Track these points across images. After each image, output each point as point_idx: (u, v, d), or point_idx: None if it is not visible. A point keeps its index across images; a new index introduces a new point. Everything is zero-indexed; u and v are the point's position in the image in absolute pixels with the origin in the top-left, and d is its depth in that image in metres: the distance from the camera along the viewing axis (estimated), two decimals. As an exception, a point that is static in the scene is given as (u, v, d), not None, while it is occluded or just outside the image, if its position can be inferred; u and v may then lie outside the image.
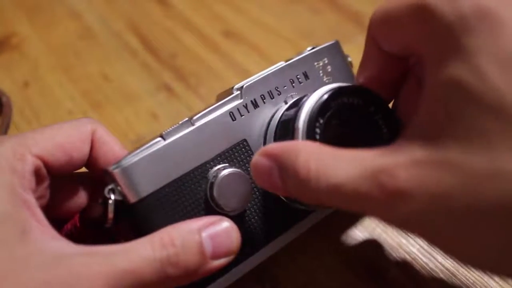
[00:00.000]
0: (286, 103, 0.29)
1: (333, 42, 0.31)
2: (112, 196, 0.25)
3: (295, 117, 0.26)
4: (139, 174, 0.25)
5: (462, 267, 0.31)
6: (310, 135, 0.25)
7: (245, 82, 0.28)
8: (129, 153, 0.25)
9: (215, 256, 0.24)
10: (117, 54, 0.50)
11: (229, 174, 0.26)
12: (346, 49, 0.33)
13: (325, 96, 0.25)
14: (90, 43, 0.51)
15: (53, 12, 0.55)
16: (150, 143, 0.25)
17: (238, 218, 0.26)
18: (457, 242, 0.19)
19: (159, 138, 0.26)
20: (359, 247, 0.32)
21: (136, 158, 0.25)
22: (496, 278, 0.30)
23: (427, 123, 0.20)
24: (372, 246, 0.32)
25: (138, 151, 0.25)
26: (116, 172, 0.25)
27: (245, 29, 0.51)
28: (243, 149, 0.28)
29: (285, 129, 0.27)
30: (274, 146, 0.23)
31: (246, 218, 0.27)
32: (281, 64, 0.29)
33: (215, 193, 0.26)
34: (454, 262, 0.31)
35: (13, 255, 0.21)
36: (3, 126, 0.43)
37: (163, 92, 0.45)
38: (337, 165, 0.21)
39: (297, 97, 0.29)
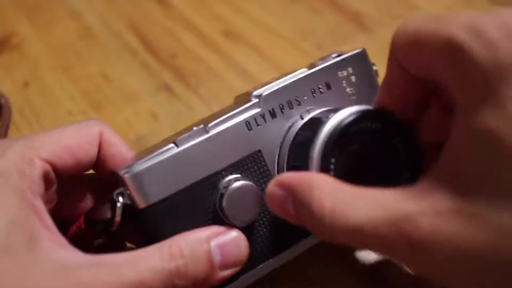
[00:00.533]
0: (302, 118, 0.27)
1: (359, 50, 0.30)
2: (121, 200, 0.25)
3: (310, 143, 0.25)
4: (150, 180, 0.24)
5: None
6: (324, 165, 0.24)
7: (264, 90, 0.27)
8: (141, 158, 0.25)
9: (224, 266, 0.24)
10: (117, 54, 0.50)
11: (240, 187, 0.26)
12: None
13: (343, 124, 0.24)
14: (90, 43, 0.51)
15: (53, 12, 0.55)
16: (162, 149, 0.25)
17: (246, 230, 0.26)
18: None
19: (172, 145, 0.25)
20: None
21: (147, 164, 0.24)
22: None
23: (455, 169, 0.19)
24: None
25: (150, 156, 0.25)
26: (127, 176, 0.24)
27: (245, 29, 0.51)
28: (257, 160, 0.27)
29: (299, 153, 0.26)
30: (289, 176, 0.23)
31: (255, 230, 0.27)
32: (303, 71, 0.28)
33: (224, 205, 0.25)
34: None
35: (21, 263, 0.21)
36: (2, 128, 0.43)
37: (163, 92, 0.45)
38: (355, 204, 0.20)
39: (314, 113, 0.28)
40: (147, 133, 0.42)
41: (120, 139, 0.27)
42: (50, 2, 0.56)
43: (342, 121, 0.24)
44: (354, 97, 0.29)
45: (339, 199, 0.21)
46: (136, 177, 0.24)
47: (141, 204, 0.25)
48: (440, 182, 0.19)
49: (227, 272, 0.24)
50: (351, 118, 0.24)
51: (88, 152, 0.26)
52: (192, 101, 0.44)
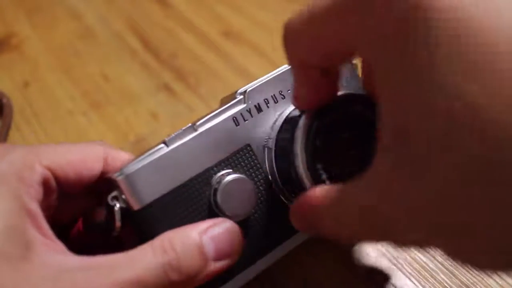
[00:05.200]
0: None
1: None
2: (117, 204, 0.25)
3: (291, 142, 0.25)
4: (142, 181, 0.25)
5: (461, 267, 0.31)
6: (311, 169, 0.24)
7: (249, 86, 0.28)
8: (132, 160, 0.25)
9: (218, 258, 0.24)
10: (117, 54, 0.50)
11: (233, 180, 0.26)
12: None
13: (314, 126, 0.24)
14: (90, 43, 0.51)
15: (53, 12, 0.55)
16: (153, 150, 0.25)
17: (242, 224, 0.26)
18: None
19: (162, 145, 0.25)
20: (359, 247, 0.32)
21: (139, 165, 0.25)
22: (496, 278, 0.30)
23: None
24: (372, 245, 0.32)
25: (141, 158, 0.25)
26: (120, 179, 0.24)
27: (245, 29, 0.51)
28: (247, 154, 0.27)
29: (284, 156, 0.26)
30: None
31: (250, 224, 0.27)
32: (285, 67, 0.29)
33: (218, 199, 0.26)
34: (454, 262, 0.31)
35: (16, 269, 0.21)
36: (4, 128, 0.43)
37: (163, 92, 0.45)
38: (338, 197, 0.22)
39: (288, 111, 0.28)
40: (147, 133, 0.42)
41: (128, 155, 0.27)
42: (50, 2, 0.56)
43: (314, 120, 0.24)
44: None
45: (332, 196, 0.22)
46: (128, 179, 0.24)
47: (135, 205, 0.25)
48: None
49: (221, 264, 0.24)
50: (318, 118, 0.24)
51: (91, 169, 0.26)
52: (192, 101, 0.45)
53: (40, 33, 0.53)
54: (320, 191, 0.23)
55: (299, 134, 0.24)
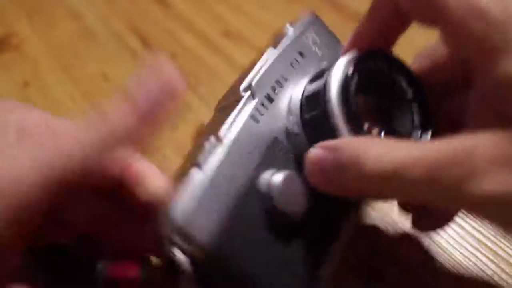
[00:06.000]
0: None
1: (309, 13, 0.31)
2: (183, 257, 0.22)
3: (324, 87, 0.25)
4: (201, 220, 0.22)
5: (461, 266, 0.31)
6: (344, 104, 0.24)
7: (250, 80, 0.26)
8: (174, 198, 0.22)
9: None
10: (117, 54, 0.50)
11: (283, 180, 0.24)
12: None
13: (354, 62, 0.25)
14: (90, 43, 0.51)
15: (53, 12, 0.55)
16: (190, 179, 0.22)
17: (302, 222, 0.25)
18: None
19: (196, 169, 0.23)
20: (360, 247, 0.32)
21: (192, 204, 0.22)
22: (495, 277, 0.30)
23: (493, 116, 0.21)
24: (372, 245, 0.32)
25: (185, 191, 0.22)
26: (181, 226, 0.21)
27: (245, 29, 0.51)
28: (278, 147, 0.26)
29: (314, 102, 0.26)
30: (333, 141, 0.23)
31: (312, 218, 0.25)
32: (271, 50, 0.28)
33: (276, 203, 0.24)
34: (453, 261, 0.31)
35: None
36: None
37: (163, 92, 0.45)
38: (400, 147, 0.21)
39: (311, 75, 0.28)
40: (147, 133, 0.42)
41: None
42: (50, 2, 0.56)
43: (350, 61, 0.25)
44: (325, 62, 0.30)
45: (384, 145, 0.21)
46: (190, 225, 0.21)
47: (202, 252, 0.22)
48: (484, 126, 0.20)
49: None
50: (360, 56, 0.25)
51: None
52: (192, 101, 0.45)
53: (40, 33, 0.53)
54: (372, 141, 0.22)
55: (334, 107, 0.24)
